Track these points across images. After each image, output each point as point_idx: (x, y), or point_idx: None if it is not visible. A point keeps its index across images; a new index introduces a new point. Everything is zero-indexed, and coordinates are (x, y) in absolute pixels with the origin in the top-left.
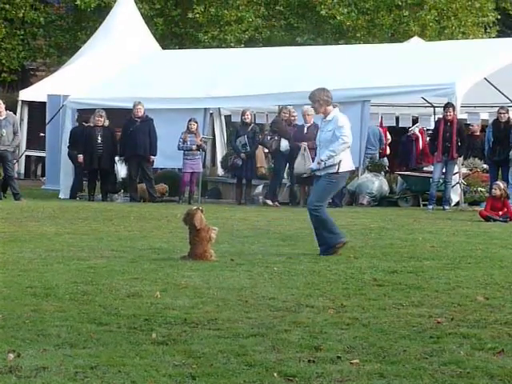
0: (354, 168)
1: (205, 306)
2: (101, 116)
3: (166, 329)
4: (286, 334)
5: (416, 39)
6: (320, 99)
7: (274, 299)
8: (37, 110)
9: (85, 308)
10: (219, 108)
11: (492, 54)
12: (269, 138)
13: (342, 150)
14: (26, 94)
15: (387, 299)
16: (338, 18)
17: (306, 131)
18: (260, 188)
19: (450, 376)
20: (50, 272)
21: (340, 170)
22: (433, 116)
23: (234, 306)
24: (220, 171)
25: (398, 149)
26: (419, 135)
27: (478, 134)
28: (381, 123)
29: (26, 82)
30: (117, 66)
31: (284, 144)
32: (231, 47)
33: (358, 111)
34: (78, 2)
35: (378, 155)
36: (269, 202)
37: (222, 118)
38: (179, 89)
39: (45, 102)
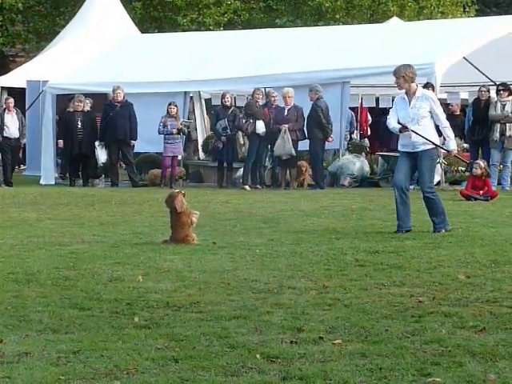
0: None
1: (187, 289)
2: (80, 101)
3: (148, 312)
4: (268, 315)
5: (395, 19)
6: (405, 75)
7: (256, 281)
8: (16, 95)
9: (67, 293)
10: (199, 91)
11: (471, 34)
12: (244, 121)
13: None
14: (6, 80)
15: (369, 279)
16: None
17: (286, 113)
18: (241, 171)
19: (432, 355)
20: (32, 258)
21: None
22: None
23: (216, 288)
24: (201, 155)
25: (379, 130)
26: None
27: (457, 113)
28: (361, 104)
29: (5, 68)
30: (96, 51)
31: (260, 126)
32: (210, 30)
33: (338, 93)
34: None
35: (349, 136)
36: (247, 187)
37: (203, 101)
38: (159, 72)
39: (24, 88)
